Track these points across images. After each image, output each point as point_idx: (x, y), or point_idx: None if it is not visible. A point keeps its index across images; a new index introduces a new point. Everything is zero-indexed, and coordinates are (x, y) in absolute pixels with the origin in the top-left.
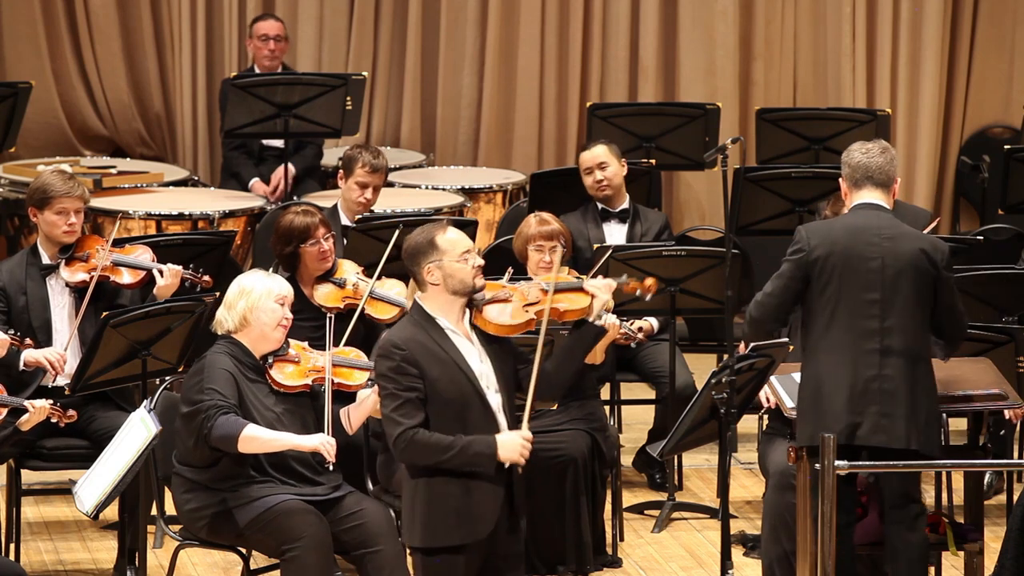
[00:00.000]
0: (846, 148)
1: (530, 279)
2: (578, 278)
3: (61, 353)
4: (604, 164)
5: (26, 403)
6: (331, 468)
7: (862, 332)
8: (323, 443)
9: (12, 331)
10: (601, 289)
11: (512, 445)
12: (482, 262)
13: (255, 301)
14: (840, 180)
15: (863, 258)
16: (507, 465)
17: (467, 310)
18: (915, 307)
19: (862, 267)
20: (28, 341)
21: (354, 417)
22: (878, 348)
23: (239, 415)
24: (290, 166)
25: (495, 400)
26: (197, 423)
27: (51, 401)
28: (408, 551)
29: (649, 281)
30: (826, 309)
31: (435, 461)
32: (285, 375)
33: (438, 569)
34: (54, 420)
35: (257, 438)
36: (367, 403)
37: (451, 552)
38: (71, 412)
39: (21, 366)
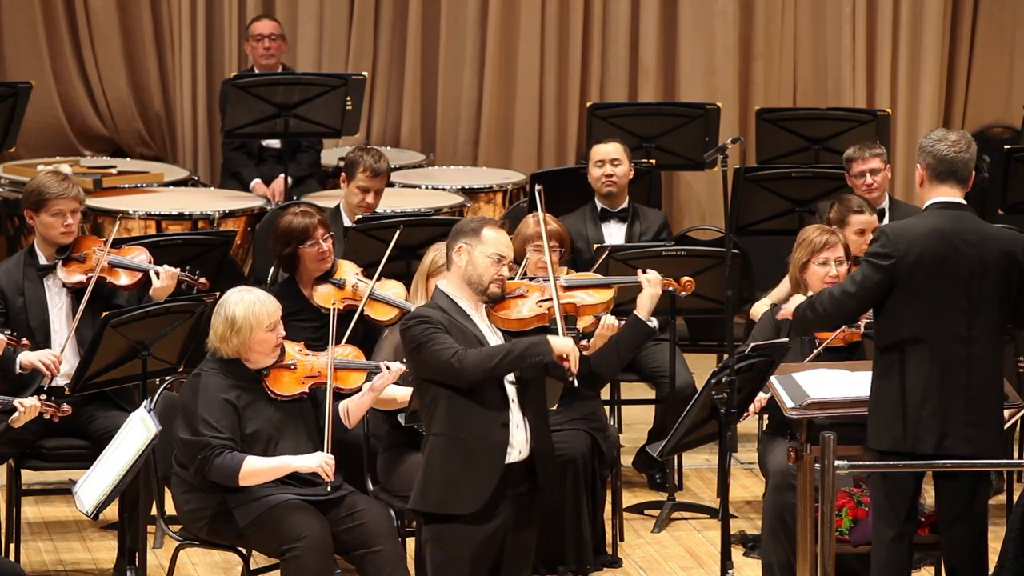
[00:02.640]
0: (926, 137)
1: (556, 277)
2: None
3: (56, 355)
4: (617, 161)
5: (15, 402)
6: (328, 489)
7: (950, 340)
8: (321, 464)
9: (9, 331)
10: (652, 283)
11: (566, 342)
12: (508, 275)
13: (246, 336)
14: (918, 166)
15: (952, 266)
16: (518, 453)
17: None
18: (999, 311)
19: (951, 276)
20: (24, 341)
21: (353, 411)
22: (965, 357)
23: (237, 449)
24: (288, 177)
25: (510, 389)
26: (196, 457)
27: (44, 397)
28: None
29: (685, 279)
30: (913, 316)
31: (494, 364)
32: (281, 384)
33: (441, 547)
34: (47, 416)
35: (257, 471)
36: (365, 399)
37: (443, 522)
38: (65, 407)
39: (17, 369)
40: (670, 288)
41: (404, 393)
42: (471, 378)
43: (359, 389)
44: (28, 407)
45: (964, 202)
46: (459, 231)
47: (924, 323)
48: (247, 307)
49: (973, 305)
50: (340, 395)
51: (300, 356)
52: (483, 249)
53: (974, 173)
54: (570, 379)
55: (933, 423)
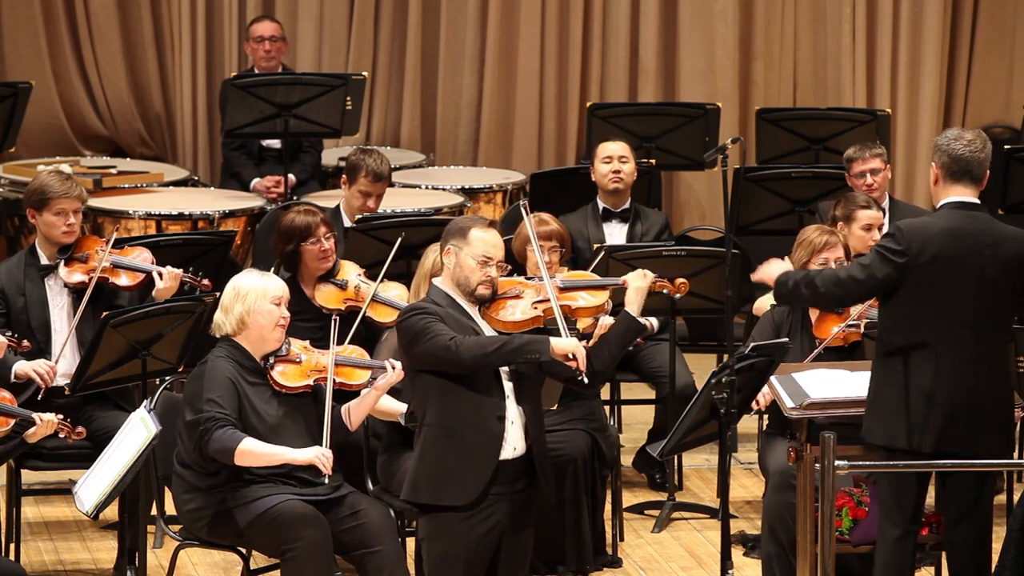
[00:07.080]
0: (942, 135)
1: (551, 277)
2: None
3: (51, 365)
4: (624, 158)
5: (34, 416)
6: (326, 481)
7: (959, 341)
8: (318, 456)
9: (10, 333)
10: (634, 278)
11: (569, 342)
12: (496, 275)
13: (251, 304)
14: (932, 165)
15: (966, 267)
16: (513, 450)
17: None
18: (1007, 313)
19: (965, 277)
20: (26, 343)
21: (355, 414)
22: (970, 358)
23: (238, 427)
24: (291, 176)
25: (507, 385)
26: (197, 433)
27: (60, 416)
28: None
29: (679, 281)
30: (920, 315)
31: (488, 353)
32: (286, 376)
33: (438, 545)
34: (62, 435)
35: (253, 452)
36: (368, 399)
37: (438, 512)
38: (80, 429)
39: (12, 378)
40: (664, 290)
41: (400, 408)
42: (466, 363)
43: (363, 387)
44: (45, 422)
45: (978, 202)
46: (448, 232)
47: (932, 323)
48: (254, 279)
49: (982, 306)
50: (344, 393)
51: (306, 352)
52: (470, 251)
53: (988, 173)
54: (580, 378)
55: (936, 423)
